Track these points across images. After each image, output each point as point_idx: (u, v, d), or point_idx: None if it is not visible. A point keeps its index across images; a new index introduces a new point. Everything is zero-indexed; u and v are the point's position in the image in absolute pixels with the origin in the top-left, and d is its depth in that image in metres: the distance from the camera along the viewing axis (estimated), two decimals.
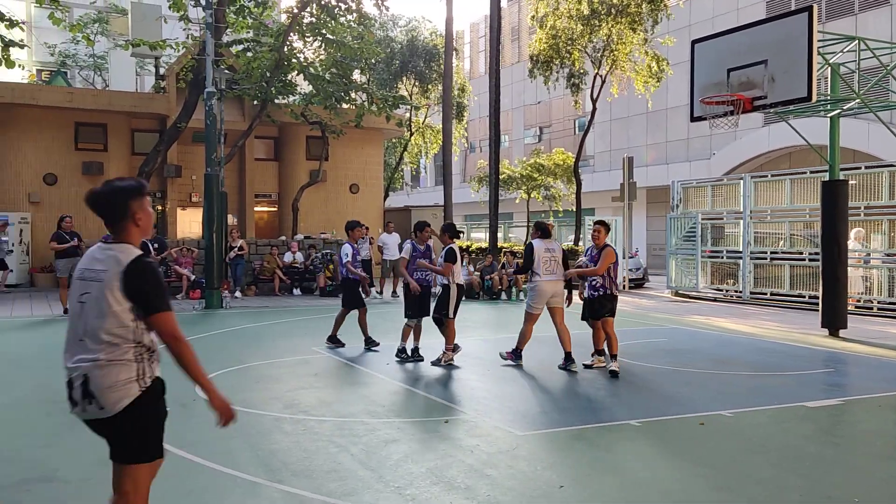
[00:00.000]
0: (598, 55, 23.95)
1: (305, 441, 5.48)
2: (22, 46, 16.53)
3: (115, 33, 31.94)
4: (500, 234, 22.70)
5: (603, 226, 8.51)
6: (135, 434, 2.94)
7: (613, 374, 8.00)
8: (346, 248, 9.76)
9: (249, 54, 21.20)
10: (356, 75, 25.09)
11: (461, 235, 9.76)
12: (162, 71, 25.69)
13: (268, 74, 19.66)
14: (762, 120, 28.21)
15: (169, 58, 26.23)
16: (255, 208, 25.66)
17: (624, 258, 21.45)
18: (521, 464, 5.00)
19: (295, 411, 6.39)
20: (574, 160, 26.83)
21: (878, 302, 14.71)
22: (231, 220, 22.48)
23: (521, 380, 7.99)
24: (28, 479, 4.63)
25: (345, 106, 21.43)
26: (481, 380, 8.00)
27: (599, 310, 8.25)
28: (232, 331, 11.84)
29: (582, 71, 24.88)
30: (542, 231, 8.69)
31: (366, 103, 21.43)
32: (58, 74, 27.53)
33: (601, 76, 24.28)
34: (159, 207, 23.86)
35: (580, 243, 24.23)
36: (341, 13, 20.48)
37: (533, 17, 24.83)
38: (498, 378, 8.05)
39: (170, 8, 19.00)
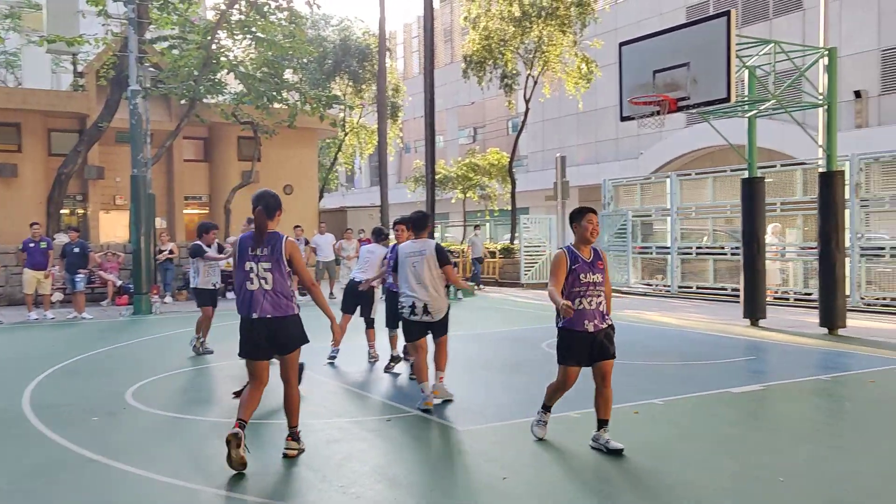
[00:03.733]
0: (530, 56, 24.33)
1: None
2: None
3: (29, 29, 30.57)
4: (437, 234, 22.84)
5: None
6: None
7: (618, 452, 5.13)
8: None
9: (175, 52, 20.63)
10: (288, 74, 24.74)
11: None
12: (80, 68, 24.76)
13: (195, 73, 19.19)
14: (685, 120, 29.14)
15: (87, 55, 25.29)
16: (185, 211, 25.05)
17: None
18: (464, 458, 5.07)
19: (233, 415, 6.28)
20: (508, 160, 27.17)
21: (794, 293, 15.46)
22: (160, 223, 21.86)
23: (463, 377, 8.05)
24: None
25: (277, 105, 21.12)
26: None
27: None
28: (162, 336, 11.55)
29: (514, 72, 25.21)
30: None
31: (298, 103, 21.16)
32: None
33: (533, 77, 24.66)
34: (80, 211, 23.03)
35: (515, 241, 24.55)
36: (271, 11, 20.18)
37: (466, 18, 25.04)
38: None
39: (87, 3, 18.33)
